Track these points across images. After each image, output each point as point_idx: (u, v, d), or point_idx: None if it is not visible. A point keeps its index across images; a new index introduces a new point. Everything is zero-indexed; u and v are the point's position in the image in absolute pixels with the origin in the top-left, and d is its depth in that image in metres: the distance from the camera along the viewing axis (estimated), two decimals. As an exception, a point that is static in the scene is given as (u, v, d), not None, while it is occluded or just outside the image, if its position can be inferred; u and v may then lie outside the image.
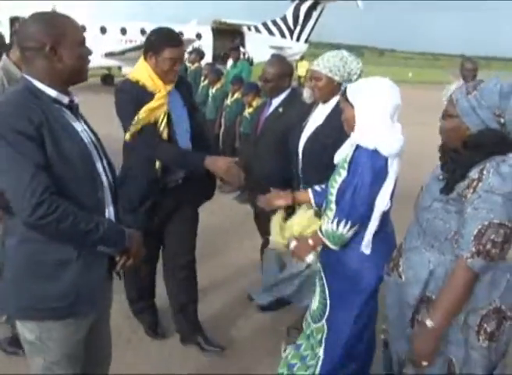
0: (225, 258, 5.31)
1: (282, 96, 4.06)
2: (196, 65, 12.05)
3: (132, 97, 3.28)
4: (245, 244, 5.45)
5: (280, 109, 4.02)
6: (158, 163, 3.36)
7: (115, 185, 2.32)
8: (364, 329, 2.86)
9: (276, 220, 3.17)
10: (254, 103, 7.32)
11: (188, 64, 12.53)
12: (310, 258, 2.89)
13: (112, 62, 23.27)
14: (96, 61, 22.40)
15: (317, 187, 3.14)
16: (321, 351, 2.93)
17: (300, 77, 28.17)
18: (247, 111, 7.47)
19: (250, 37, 26.80)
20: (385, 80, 2.79)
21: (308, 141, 3.47)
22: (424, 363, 2.29)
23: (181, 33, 21.00)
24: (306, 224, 3.06)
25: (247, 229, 4.80)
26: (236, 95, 8.10)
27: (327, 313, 2.90)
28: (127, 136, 3.28)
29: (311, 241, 2.87)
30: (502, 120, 2.18)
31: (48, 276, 2.09)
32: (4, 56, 3.70)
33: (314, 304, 3.01)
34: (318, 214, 3.03)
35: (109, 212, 2.26)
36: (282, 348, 3.25)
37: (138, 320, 4.03)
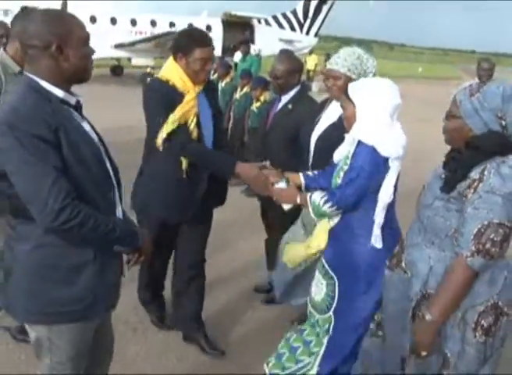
0: (231, 252, 5.35)
1: (292, 93, 4.12)
2: None
3: (162, 96, 3.27)
4: (251, 238, 5.47)
5: (289, 106, 4.08)
6: (184, 164, 3.34)
7: (119, 184, 2.32)
8: (368, 321, 2.93)
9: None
10: (262, 97, 7.41)
11: None
12: (287, 207, 3.13)
13: (121, 54, 23.31)
14: (106, 52, 22.55)
15: (309, 172, 3.25)
16: (325, 340, 3.01)
17: (309, 71, 28.16)
18: (255, 105, 7.55)
19: (260, 30, 26.74)
20: (386, 80, 2.92)
21: (320, 138, 3.52)
22: (424, 353, 2.38)
23: (191, 25, 21.12)
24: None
25: (254, 223, 4.84)
26: (245, 89, 8.18)
27: (335, 305, 2.97)
28: (161, 136, 3.20)
29: (298, 200, 3.02)
30: (503, 123, 2.25)
31: (63, 280, 2.09)
32: (1, 50, 3.63)
33: (319, 296, 3.07)
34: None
35: (119, 211, 2.28)
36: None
37: (146, 310, 4.10)
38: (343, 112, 2.94)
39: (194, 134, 3.30)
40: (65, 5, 20.01)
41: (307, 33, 28.45)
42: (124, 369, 3.44)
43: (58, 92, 2.06)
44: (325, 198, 2.83)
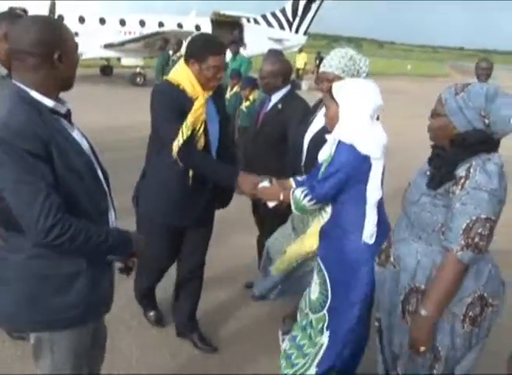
0: (223, 249, 5.36)
1: (282, 93, 4.19)
2: (178, 54, 12.07)
3: (172, 99, 3.24)
4: (244, 235, 5.49)
5: (279, 106, 4.15)
6: (191, 172, 3.33)
7: (109, 189, 2.31)
8: (363, 316, 2.99)
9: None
10: (251, 97, 7.48)
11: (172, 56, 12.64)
12: (272, 204, 3.22)
13: (111, 54, 23.23)
14: (95, 52, 22.51)
15: (298, 177, 3.32)
16: (324, 339, 3.04)
17: (298, 70, 28.19)
18: (244, 104, 7.62)
19: (249, 29, 26.72)
20: (369, 82, 3.00)
21: (313, 139, 3.54)
22: (422, 349, 2.44)
23: (180, 25, 21.11)
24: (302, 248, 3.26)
25: (246, 220, 4.86)
26: (235, 89, 8.24)
27: (328, 303, 3.02)
28: (177, 144, 3.15)
29: (281, 196, 3.11)
30: (487, 121, 2.33)
31: (57, 289, 2.09)
32: None
33: (314, 295, 3.12)
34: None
35: (111, 217, 2.28)
36: (280, 338, 3.40)
37: (141, 306, 4.15)
38: (326, 112, 3.01)
39: (201, 142, 3.29)
40: (53, 5, 19.97)
41: (297, 31, 28.48)
42: (118, 364, 3.50)
43: (49, 102, 2.04)
44: (305, 192, 2.91)
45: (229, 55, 13.40)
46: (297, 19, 28.15)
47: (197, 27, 24.73)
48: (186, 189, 3.38)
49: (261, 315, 4.36)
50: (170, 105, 3.23)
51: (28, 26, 2.00)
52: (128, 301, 4.13)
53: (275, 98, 4.20)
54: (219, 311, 4.42)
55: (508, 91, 2.39)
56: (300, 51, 28.96)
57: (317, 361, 3.05)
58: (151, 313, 4.13)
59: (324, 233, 3.05)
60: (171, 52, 13.51)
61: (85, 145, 2.18)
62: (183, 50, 13.59)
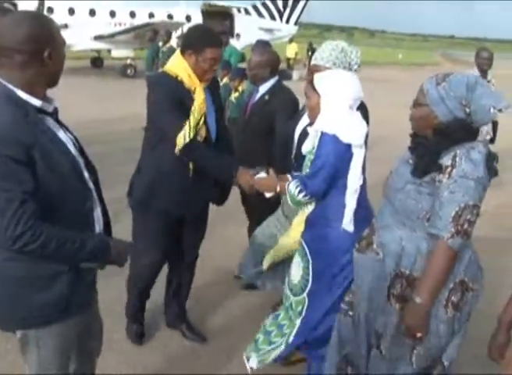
0: (214, 239, 5.37)
1: (269, 84, 4.24)
2: (168, 45, 12.05)
3: (171, 90, 3.21)
4: (235, 225, 5.57)
5: (266, 97, 4.20)
6: (191, 164, 3.33)
7: (97, 185, 2.29)
8: (339, 301, 3.02)
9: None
10: (240, 88, 7.52)
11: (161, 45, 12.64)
12: (269, 195, 3.23)
13: (101, 45, 23.17)
14: (85, 44, 22.44)
15: (296, 173, 3.32)
16: (298, 321, 3.12)
17: (289, 59, 28.23)
18: (233, 95, 7.65)
19: (240, 19, 26.71)
20: (350, 74, 3.08)
21: (304, 131, 3.53)
22: (419, 335, 2.51)
23: (170, 16, 21.01)
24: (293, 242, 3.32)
25: (237, 210, 4.90)
26: (225, 80, 8.26)
27: (309, 287, 3.08)
28: (183, 141, 3.14)
29: (278, 188, 3.13)
30: (468, 110, 2.39)
31: (38, 288, 2.08)
32: None
33: (295, 278, 3.18)
34: None
35: (97, 214, 2.26)
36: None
37: (126, 316, 3.96)
38: (307, 102, 3.07)
39: (202, 133, 3.28)
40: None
41: (287, 21, 28.48)
42: (110, 355, 3.54)
43: (36, 101, 2.02)
44: (299, 188, 2.95)
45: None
46: (288, 9, 28.14)
47: (188, 18, 24.67)
48: (187, 182, 3.36)
49: (251, 305, 4.42)
50: (169, 96, 3.21)
51: (16, 22, 1.97)
52: (118, 294, 4.08)
53: (263, 89, 4.25)
54: (209, 301, 4.47)
55: (501, 79, 2.45)
56: (291, 41, 28.97)
57: (290, 340, 3.12)
58: (135, 326, 3.90)
59: (308, 221, 3.11)
60: (160, 44, 13.49)
61: (71, 144, 2.16)
62: (172, 41, 13.66)
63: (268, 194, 3.26)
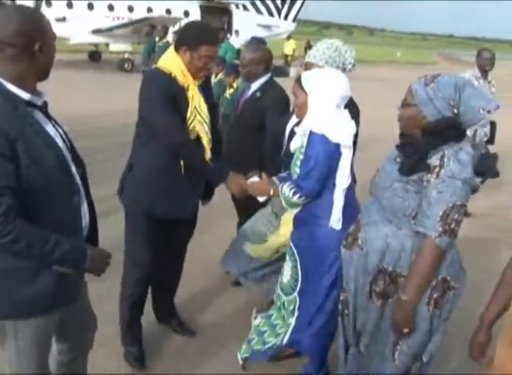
0: (204, 235, 5.33)
1: (261, 81, 4.25)
2: (164, 40, 12.04)
3: (165, 88, 3.14)
4: (225, 222, 5.55)
5: (258, 94, 4.21)
6: (182, 162, 3.26)
7: (85, 179, 2.30)
8: (330, 298, 3.07)
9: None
10: (235, 84, 7.52)
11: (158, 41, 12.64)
12: (262, 199, 3.27)
13: (99, 39, 23.14)
14: (83, 37, 22.40)
15: (281, 174, 3.37)
16: (292, 320, 3.16)
17: (286, 56, 28.24)
18: (228, 92, 7.66)
19: (238, 16, 26.68)
20: (338, 73, 3.09)
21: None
22: (406, 330, 2.56)
23: (169, 11, 20.94)
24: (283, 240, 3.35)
25: (228, 207, 4.94)
26: (220, 76, 8.28)
27: (299, 286, 3.12)
28: (186, 137, 3.16)
29: (272, 192, 3.15)
30: (456, 110, 2.42)
31: (21, 281, 2.08)
32: None
33: (285, 278, 3.22)
34: None
35: (84, 209, 2.26)
36: (253, 316, 3.49)
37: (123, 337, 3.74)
38: (295, 100, 3.08)
39: (194, 132, 3.23)
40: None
41: (285, 18, 28.45)
42: (100, 349, 3.55)
43: (25, 95, 2.03)
44: (293, 190, 2.96)
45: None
46: (286, 6, 28.12)
47: (186, 13, 24.62)
48: (179, 181, 3.29)
49: (240, 300, 4.44)
50: (162, 93, 3.13)
51: (7, 16, 1.98)
52: (108, 287, 4.12)
53: (255, 85, 4.26)
54: (199, 297, 4.49)
55: (501, 80, 2.47)
56: (289, 37, 28.97)
57: (286, 340, 3.16)
58: (134, 349, 3.65)
59: (297, 220, 3.13)
60: (157, 39, 13.50)
61: (59, 138, 2.16)
62: (169, 36, 13.63)
63: (261, 199, 3.27)
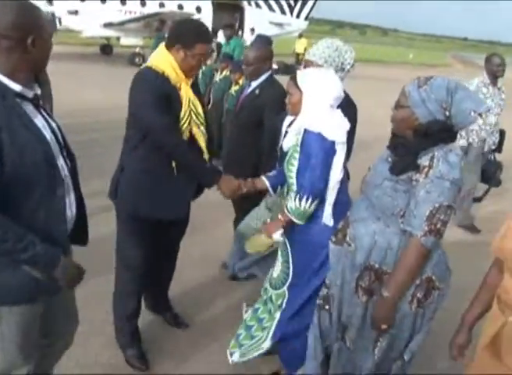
0: (201, 230, 5.43)
1: (261, 79, 4.29)
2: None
3: (157, 88, 3.07)
4: (222, 217, 5.60)
5: (257, 91, 4.25)
6: (173, 163, 3.20)
7: (74, 172, 2.32)
8: (317, 294, 3.06)
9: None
10: (241, 81, 7.54)
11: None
12: (277, 235, 3.08)
13: (110, 33, 23.23)
14: (95, 30, 22.49)
15: (269, 173, 3.41)
16: (278, 314, 3.18)
17: (298, 54, 28.18)
18: (233, 88, 7.68)
19: (250, 13, 26.65)
20: (332, 73, 3.10)
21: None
22: (384, 327, 2.60)
23: (181, 6, 20.92)
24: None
25: (224, 201, 4.98)
26: (225, 72, 8.32)
27: (289, 281, 3.15)
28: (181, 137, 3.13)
29: (280, 217, 3.09)
30: (447, 113, 2.45)
31: (5, 268, 2.10)
32: None
33: (276, 272, 3.25)
34: None
35: (70, 201, 2.28)
36: (244, 309, 3.53)
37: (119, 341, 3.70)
38: (289, 98, 3.10)
39: (187, 132, 3.20)
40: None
41: (298, 16, 28.41)
42: (93, 338, 3.65)
43: (16, 86, 2.04)
44: (298, 196, 2.94)
45: (220, 35, 13.40)
46: (299, 4, 28.08)
47: (198, 9, 24.66)
48: (172, 181, 3.25)
49: (235, 296, 4.48)
50: (155, 93, 3.06)
51: (4, 8, 2.01)
52: (105, 276, 4.16)
53: (255, 83, 4.30)
54: (194, 291, 4.52)
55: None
56: (300, 36, 28.93)
57: (271, 334, 3.18)
58: (133, 352, 3.61)
59: None
60: (166, 34, 13.46)
61: (47, 131, 2.18)
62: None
63: (276, 236, 3.11)
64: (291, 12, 28.12)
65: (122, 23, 22.41)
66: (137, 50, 22.41)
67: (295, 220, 3.00)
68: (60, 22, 21.37)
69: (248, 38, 20.09)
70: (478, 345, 2.31)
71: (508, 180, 6.59)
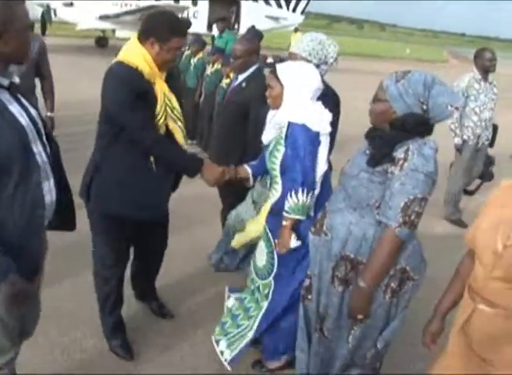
0: (189, 222, 5.54)
1: (248, 72, 4.33)
2: None
3: (131, 83, 2.98)
4: (209, 208, 5.53)
5: (243, 84, 4.29)
6: (152, 158, 3.14)
7: (55, 157, 2.34)
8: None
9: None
10: (232, 74, 7.55)
11: None
12: (294, 242, 3.04)
13: (106, 25, 23.18)
14: (90, 23, 22.44)
15: (253, 162, 3.45)
16: (265, 303, 3.24)
17: (293, 49, 28.08)
18: (225, 81, 7.67)
19: (247, 6, 26.61)
20: (311, 65, 3.17)
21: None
22: (360, 317, 2.66)
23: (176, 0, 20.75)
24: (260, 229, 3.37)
25: (211, 193, 5.01)
26: (216, 66, 8.34)
27: (275, 271, 3.19)
28: (157, 134, 3.09)
29: (283, 223, 3.05)
30: (424, 107, 2.51)
31: None
32: None
33: (261, 263, 3.29)
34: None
35: (49, 186, 2.29)
36: (226, 295, 3.58)
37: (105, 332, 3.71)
38: (270, 91, 3.14)
39: (163, 127, 3.14)
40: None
41: (294, 10, 28.38)
42: (75, 328, 3.71)
43: None
44: (292, 191, 2.96)
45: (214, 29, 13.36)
46: (295, -2, 28.04)
47: (194, 2, 24.59)
48: (150, 177, 3.18)
49: (222, 287, 4.46)
50: (129, 89, 2.98)
51: None
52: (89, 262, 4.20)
53: (242, 77, 4.34)
54: (181, 281, 4.59)
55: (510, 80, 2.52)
56: (296, 30, 28.83)
57: (257, 323, 3.24)
58: (117, 342, 3.63)
59: (274, 209, 3.17)
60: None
61: (24, 118, 2.20)
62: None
63: (293, 245, 3.06)
64: (287, 5, 28.08)
65: (117, 16, 22.36)
66: (133, 42, 22.32)
67: (297, 217, 3.01)
68: (55, 14, 21.37)
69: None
70: (450, 332, 2.37)
71: (499, 174, 6.64)
